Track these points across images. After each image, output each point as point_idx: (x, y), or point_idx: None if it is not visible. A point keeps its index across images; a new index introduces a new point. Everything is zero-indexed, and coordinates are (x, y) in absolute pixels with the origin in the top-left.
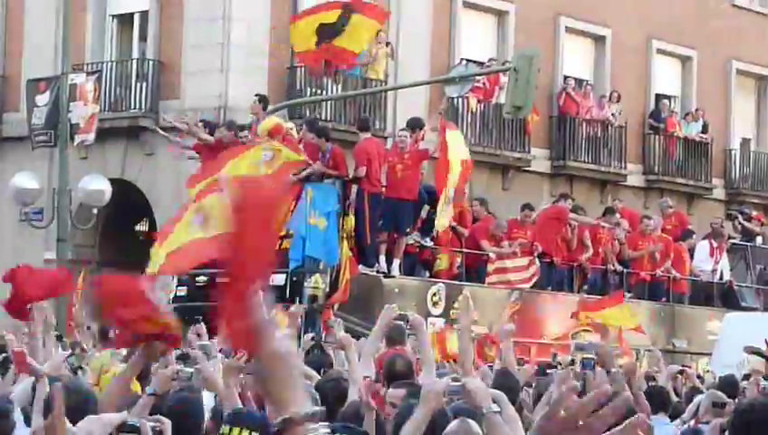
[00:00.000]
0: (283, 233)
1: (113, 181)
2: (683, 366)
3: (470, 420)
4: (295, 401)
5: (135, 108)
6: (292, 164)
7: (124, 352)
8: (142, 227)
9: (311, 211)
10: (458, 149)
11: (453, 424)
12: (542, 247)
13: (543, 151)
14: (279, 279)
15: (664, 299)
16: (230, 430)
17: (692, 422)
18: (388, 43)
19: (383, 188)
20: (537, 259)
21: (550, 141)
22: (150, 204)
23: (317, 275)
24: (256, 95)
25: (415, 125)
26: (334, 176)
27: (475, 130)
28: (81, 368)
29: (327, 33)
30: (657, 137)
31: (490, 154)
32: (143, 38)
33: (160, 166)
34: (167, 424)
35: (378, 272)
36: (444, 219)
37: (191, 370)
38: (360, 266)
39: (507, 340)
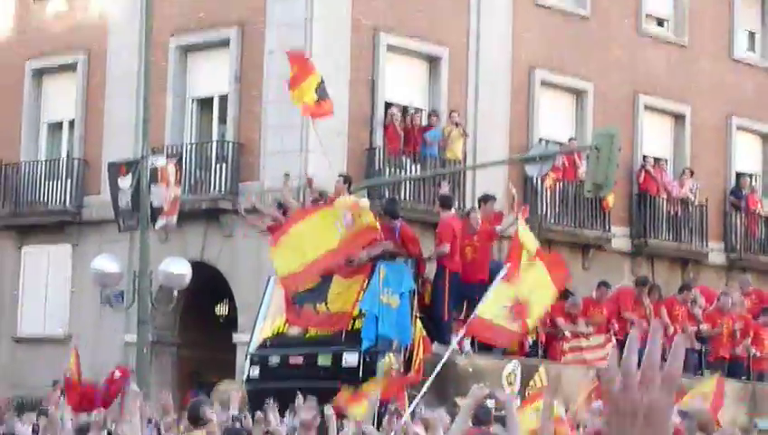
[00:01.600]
0: (356, 312)
1: (193, 263)
2: None
3: None
4: None
5: (214, 190)
6: (370, 231)
7: None
8: (222, 309)
9: (384, 290)
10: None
11: None
12: (618, 326)
13: (624, 230)
14: (352, 359)
15: (744, 377)
16: None
17: None
18: (457, 124)
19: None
20: (614, 338)
21: (630, 220)
22: (230, 286)
23: (390, 354)
24: (340, 175)
25: (486, 200)
26: (405, 255)
27: (555, 208)
28: None
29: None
30: (738, 214)
31: (570, 233)
32: (223, 120)
33: (240, 248)
34: None
35: (453, 349)
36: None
37: None
38: (434, 345)
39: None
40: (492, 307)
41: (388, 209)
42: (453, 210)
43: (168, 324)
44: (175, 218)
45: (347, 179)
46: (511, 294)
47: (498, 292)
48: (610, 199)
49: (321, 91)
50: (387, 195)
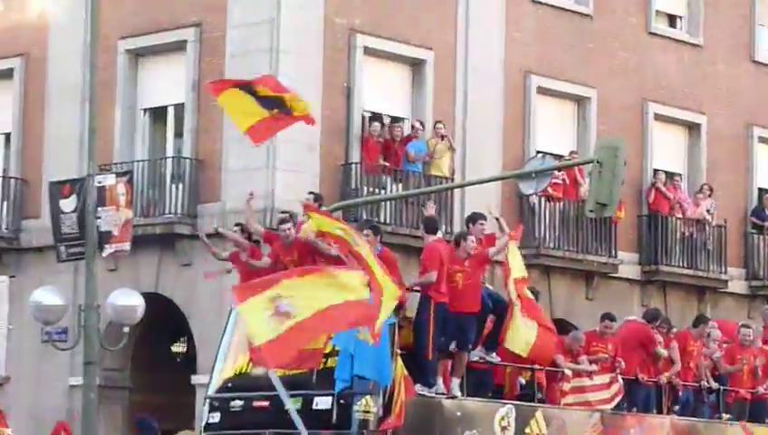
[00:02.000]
0: (328, 350)
1: (146, 296)
2: None
3: None
4: None
5: (170, 212)
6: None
7: None
8: (179, 347)
9: None
10: (516, 264)
11: None
12: (626, 364)
13: (632, 256)
14: (324, 402)
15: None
16: None
17: None
18: (444, 136)
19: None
20: (620, 377)
21: (639, 244)
22: (188, 321)
23: (367, 397)
24: (310, 193)
25: (472, 220)
26: None
27: (554, 231)
28: None
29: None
30: (761, 237)
31: (572, 259)
32: (179, 133)
33: (199, 278)
34: None
35: (438, 393)
36: (520, 341)
37: None
38: (418, 387)
39: None
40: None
41: (375, 227)
42: (439, 234)
43: (119, 365)
44: (126, 245)
45: (317, 198)
46: None
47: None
48: (621, 214)
49: (270, 103)
50: (364, 217)
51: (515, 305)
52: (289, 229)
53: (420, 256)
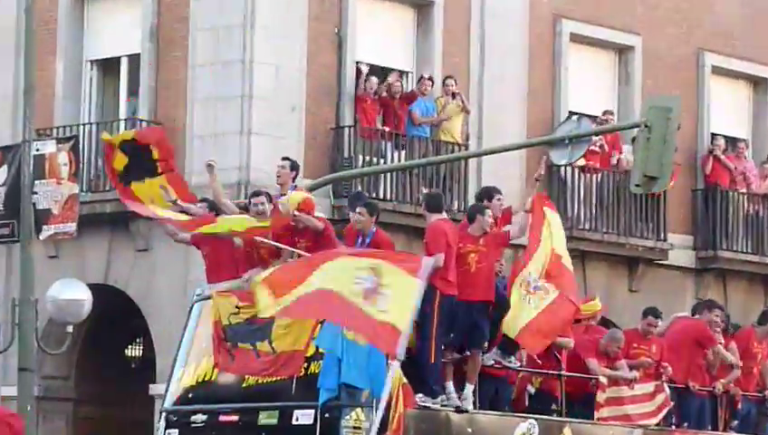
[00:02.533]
0: (311, 352)
1: (94, 288)
2: None
3: None
4: None
5: None
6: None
7: None
8: (135, 350)
9: None
10: (559, 237)
11: None
12: (673, 370)
13: (685, 238)
14: (305, 416)
15: None
16: None
17: None
18: (455, 94)
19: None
20: (666, 386)
21: (693, 224)
22: (146, 318)
23: (358, 409)
24: (284, 159)
25: (489, 195)
26: None
27: (590, 210)
28: None
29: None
30: None
31: (611, 243)
32: (134, 91)
33: (159, 266)
34: None
35: (444, 404)
36: (519, 320)
37: None
38: (419, 396)
39: None
40: None
41: (371, 206)
42: (443, 213)
43: (61, 372)
44: (70, 226)
45: (293, 166)
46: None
47: None
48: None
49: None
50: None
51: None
52: (263, 205)
53: (424, 239)
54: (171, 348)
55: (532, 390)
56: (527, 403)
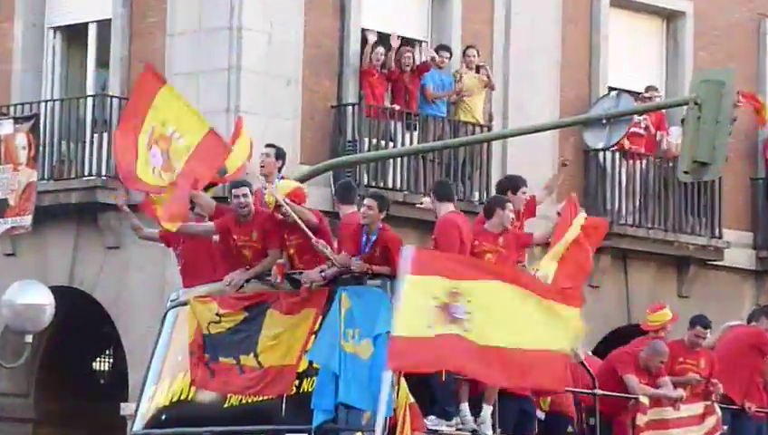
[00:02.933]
0: (303, 367)
1: (57, 291)
2: None
3: None
4: None
5: (91, 174)
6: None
7: None
8: (104, 364)
9: (347, 331)
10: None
11: None
12: (726, 388)
13: (743, 236)
14: None
15: None
16: None
17: None
18: (479, 67)
19: None
20: (717, 406)
21: (753, 219)
22: (116, 326)
23: (358, 434)
24: (268, 145)
25: (513, 186)
26: (384, 274)
27: (633, 202)
28: None
29: None
30: None
31: (658, 241)
32: (103, 63)
33: (132, 265)
34: None
35: (459, 428)
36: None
37: None
38: (430, 420)
39: None
40: None
41: (381, 199)
42: (452, 205)
43: (19, 389)
44: (28, 219)
45: (279, 153)
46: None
47: None
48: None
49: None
50: (365, 180)
51: None
52: (245, 196)
53: (433, 234)
54: (146, 361)
55: (542, 415)
56: (536, 430)
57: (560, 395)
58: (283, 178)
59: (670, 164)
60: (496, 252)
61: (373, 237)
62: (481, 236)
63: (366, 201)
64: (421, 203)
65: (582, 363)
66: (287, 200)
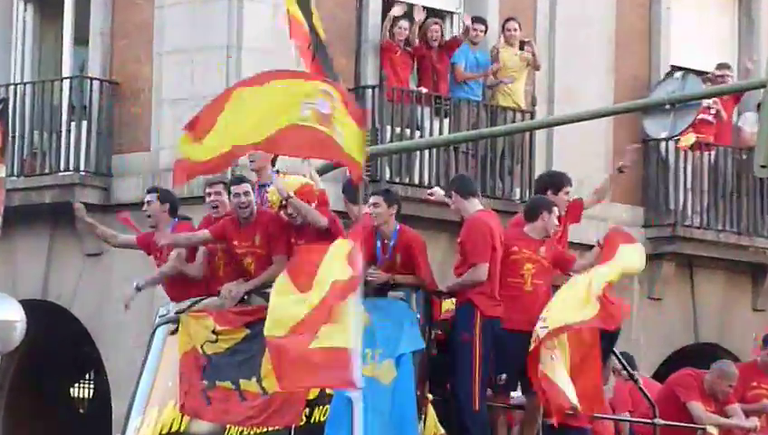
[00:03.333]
0: (312, 394)
1: (29, 306)
2: None
3: None
4: None
5: (68, 168)
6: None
7: None
8: (84, 389)
9: (366, 351)
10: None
11: None
12: None
13: None
14: None
15: None
16: None
17: None
18: (524, 44)
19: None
20: None
21: None
22: (97, 346)
23: None
24: None
25: (555, 185)
26: (411, 284)
27: (700, 201)
28: None
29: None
30: None
31: (729, 245)
32: (82, 40)
33: (114, 276)
34: None
35: None
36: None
37: None
38: None
39: None
40: None
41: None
42: (478, 201)
43: None
44: None
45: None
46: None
47: None
48: None
49: None
50: (386, 174)
51: None
52: (246, 194)
53: (459, 238)
54: (132, 386)
55: None
56: None
57: (596, 425)
58: (278, 173)
59: (744, 156)
60: (537, 262)
61: (391, 243)
62: (520, 240)
63: (371, 199)
64: (431, 194)
65: (641, 389)
66: (291, 194)
